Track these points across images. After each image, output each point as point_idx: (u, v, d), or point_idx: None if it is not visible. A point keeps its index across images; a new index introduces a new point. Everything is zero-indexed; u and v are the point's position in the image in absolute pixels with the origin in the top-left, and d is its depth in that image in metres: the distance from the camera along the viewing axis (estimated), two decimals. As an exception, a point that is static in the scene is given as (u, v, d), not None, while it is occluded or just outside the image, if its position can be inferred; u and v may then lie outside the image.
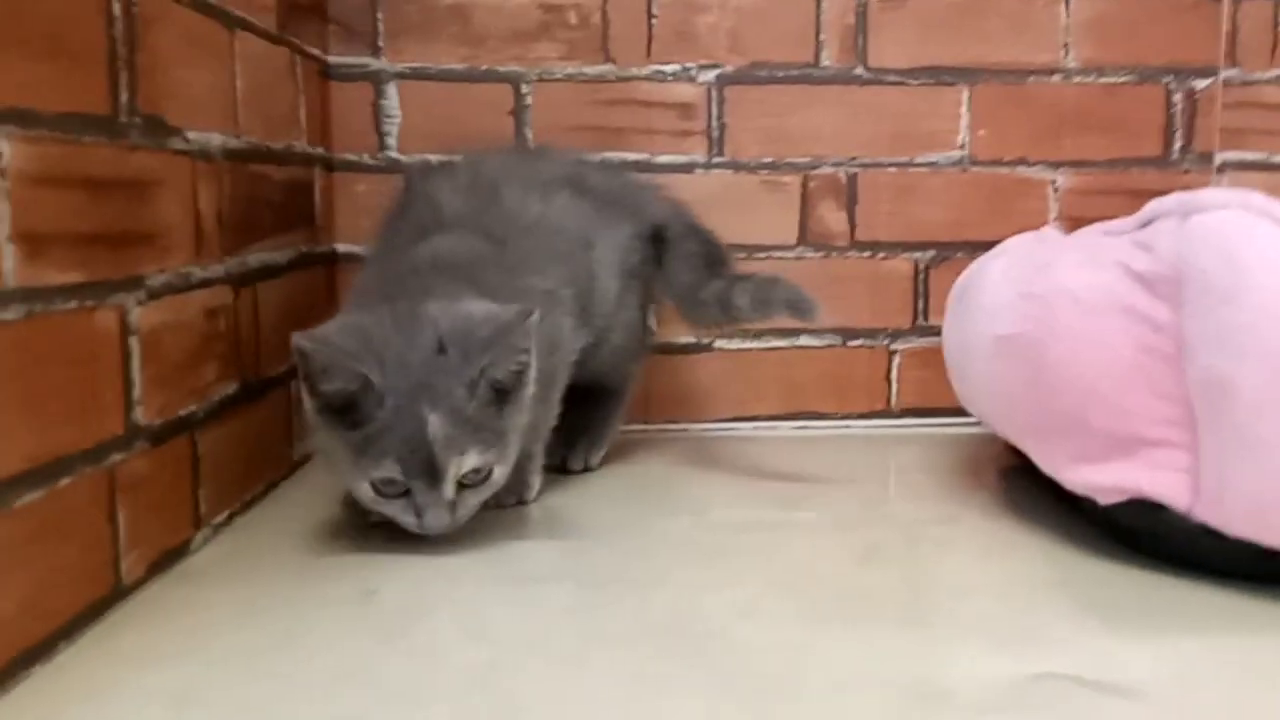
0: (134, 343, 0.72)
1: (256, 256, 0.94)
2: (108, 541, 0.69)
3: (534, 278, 0.92)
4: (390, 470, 0.77)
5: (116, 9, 0.69)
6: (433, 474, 0.77)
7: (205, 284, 0.83)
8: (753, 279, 1.00)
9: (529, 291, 0.88)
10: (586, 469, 1.05)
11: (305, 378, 0.78)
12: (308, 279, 1.10)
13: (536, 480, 0.95)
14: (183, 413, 0.79)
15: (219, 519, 0.86)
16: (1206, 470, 0.73)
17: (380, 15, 1.19)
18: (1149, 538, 0.79)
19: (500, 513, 0.92)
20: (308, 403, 0.80)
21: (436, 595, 0.74)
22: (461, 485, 0.79)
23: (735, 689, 0.61)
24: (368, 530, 0.86)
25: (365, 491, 0.79)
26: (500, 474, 0.82)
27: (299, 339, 0.76)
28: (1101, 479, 0.79)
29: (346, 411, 0.77)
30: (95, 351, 0.67)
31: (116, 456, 0.70)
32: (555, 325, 0.91)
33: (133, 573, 0.72)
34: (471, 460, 0.78)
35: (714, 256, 1.06)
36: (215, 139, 0.85)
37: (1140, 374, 0.76)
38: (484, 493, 0.82)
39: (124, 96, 0.70)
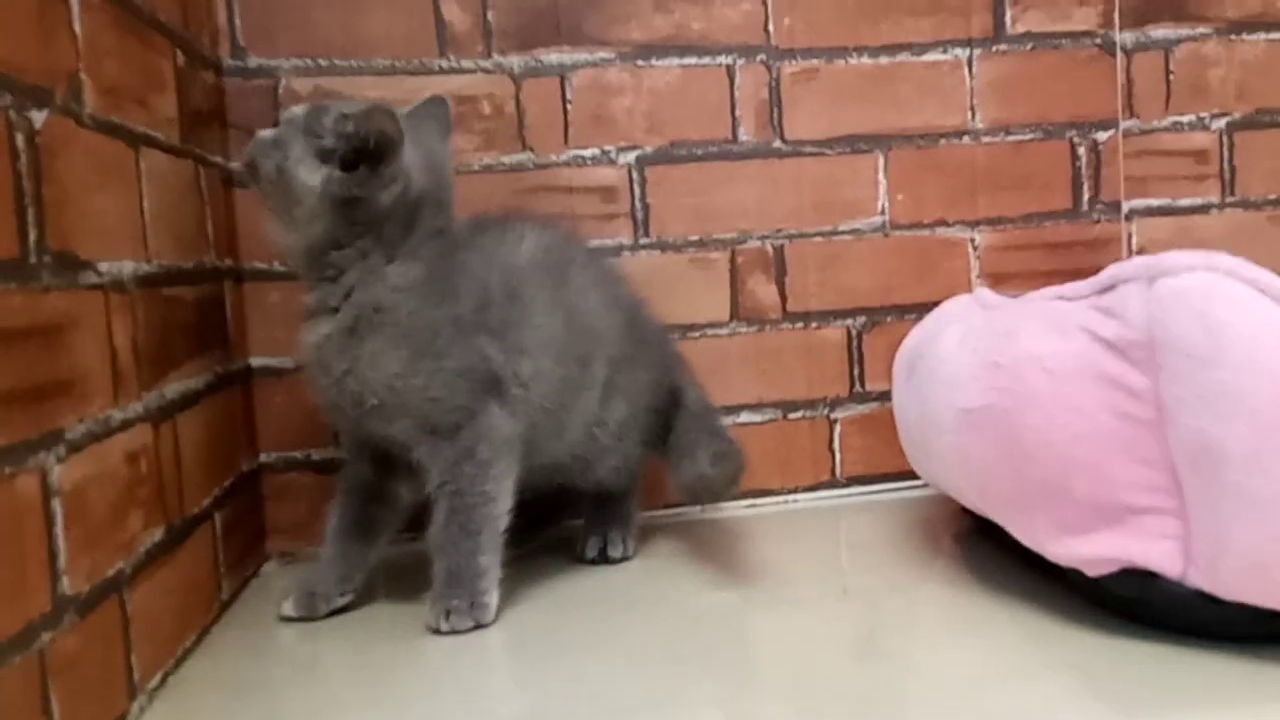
0: (56, 505, 0.64)
1: (174, 387, 0.87)
2: (42, 736, 0.61)
3: (525, 361, 0.93)
4: None
5: (20, 140, 0.62)
6: None
7: (125, 426, 0.76)
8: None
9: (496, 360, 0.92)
10: (625, 557, 1.06)
11: None
12: (225, 401, 1.02)
13: (493, 599, 0.89)
14: (110, 572, 0.71)
15: (153, 683, 0.78)
16: (1198, 535, 0.72)
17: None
18: (1142, 606, 0.78)
19: (455, 638, 0.86)
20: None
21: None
22: None
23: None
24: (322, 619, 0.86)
25: None
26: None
27: None
28: (1089, 550, 0.77)
29: None
30: (17, 522, 0.60)
31: (45, 636, 0.62)
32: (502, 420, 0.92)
33: (71, 765, 0.64)
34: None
35: (722, 451, 1.02)
36: (127, 267, 0.78)
37: (1120, 440, 0.75)
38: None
39: (33, 235, 0.63)
